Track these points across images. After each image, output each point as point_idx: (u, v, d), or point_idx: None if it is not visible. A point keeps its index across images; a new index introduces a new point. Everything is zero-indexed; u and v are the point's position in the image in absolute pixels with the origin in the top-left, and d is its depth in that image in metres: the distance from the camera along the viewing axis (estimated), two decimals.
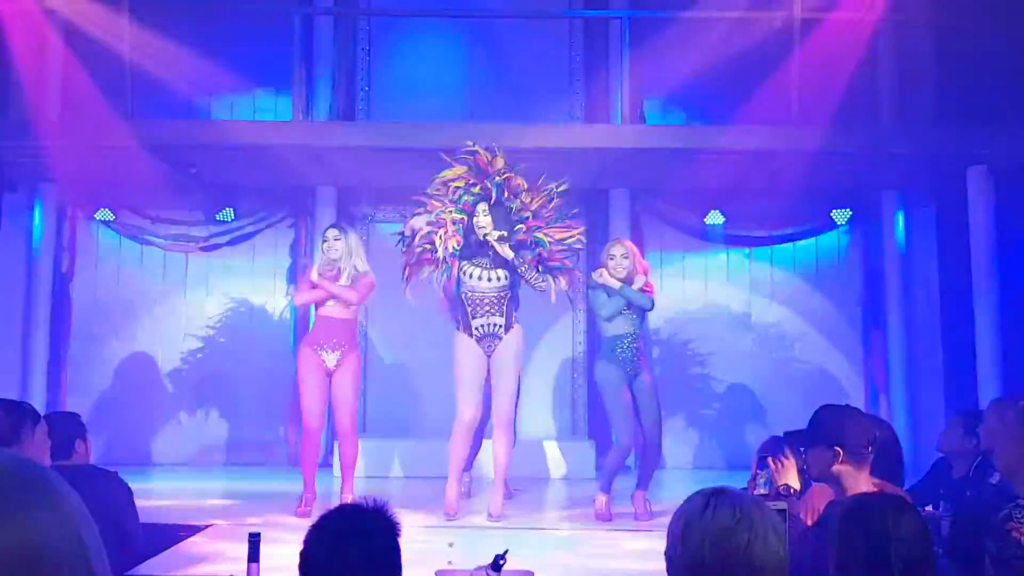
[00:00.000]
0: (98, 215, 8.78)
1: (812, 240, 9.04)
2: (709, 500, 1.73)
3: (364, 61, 8.98)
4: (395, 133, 7.70)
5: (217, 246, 8.94)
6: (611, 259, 6.09)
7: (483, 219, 5.85)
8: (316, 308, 6.36)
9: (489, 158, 5.96)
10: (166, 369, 8.79)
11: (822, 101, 7.49)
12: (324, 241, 6.28)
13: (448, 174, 6.02)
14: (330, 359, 6.15)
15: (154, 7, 7.67)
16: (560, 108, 8.77)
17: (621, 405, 5.97)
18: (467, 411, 5.84)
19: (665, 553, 1.77)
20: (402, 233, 6.12)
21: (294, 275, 8.92)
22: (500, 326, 5.88)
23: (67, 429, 3.82)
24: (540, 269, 5.89)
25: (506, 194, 5.95)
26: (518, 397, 6.82)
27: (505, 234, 5.81)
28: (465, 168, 6.01)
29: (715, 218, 8.85)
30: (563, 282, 6.00)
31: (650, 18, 8.34)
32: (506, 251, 5.79)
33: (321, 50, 8.79)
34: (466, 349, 5.88)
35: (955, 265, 8.18)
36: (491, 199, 5.88)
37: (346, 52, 8.95)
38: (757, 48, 7.56)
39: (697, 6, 7.82)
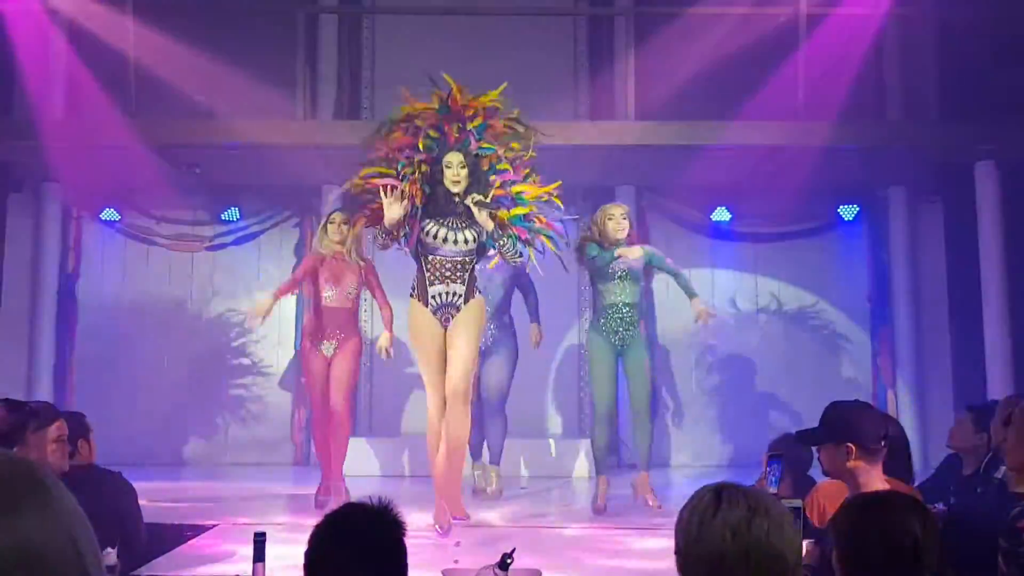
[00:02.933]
0: (103, 215, 8.79)
1: (819, 236, 9.01)
2: (720, 494, 1.72)
3: (369, 59, 8.97)
4: None
5: (222, 246, 8.95)
6: (610, 219, 5.87)
7: (460, 172, 5.02)
8: (312, 298, 6.30)
9: (467, 99, 5.16)
10: (172, 369, 8.78)
11: (828, 97, 7.45)
12: (330, 223, 6.15)
13: (409, 109, 5.17)
14: (328, 348, 6.09)
15: (158, 6, 7.67)
16: (565, 105, 8.73)
17: (601, 373, 5.83)
18: (436, 397, 5.07)
19: (676, 551, 1.75)
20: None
21: None
22: (460, 296, 5.08)
23: (70, 429, 3.80)
24: (528, 234, 5.17)
25: (483, 143, 5.16)
26: (510, 384, 6.70)
27: (484, 198, 4.99)
28: (435, 104, 5.15)
29: (721, 215, 8.82)
30: (550, 243, 5.23)
31: (655, 14, 8.31)
32: (486, 220, 4.95)
33: (325, 48, 8.78)
34: (422, 322, 5.09)
35: (963, 261, 8.14)
36: (466, 148, 5.08)
37: (351, 50, 8.94)
38: (763, 44, 7.53)
39: (702, 2, 7.79)
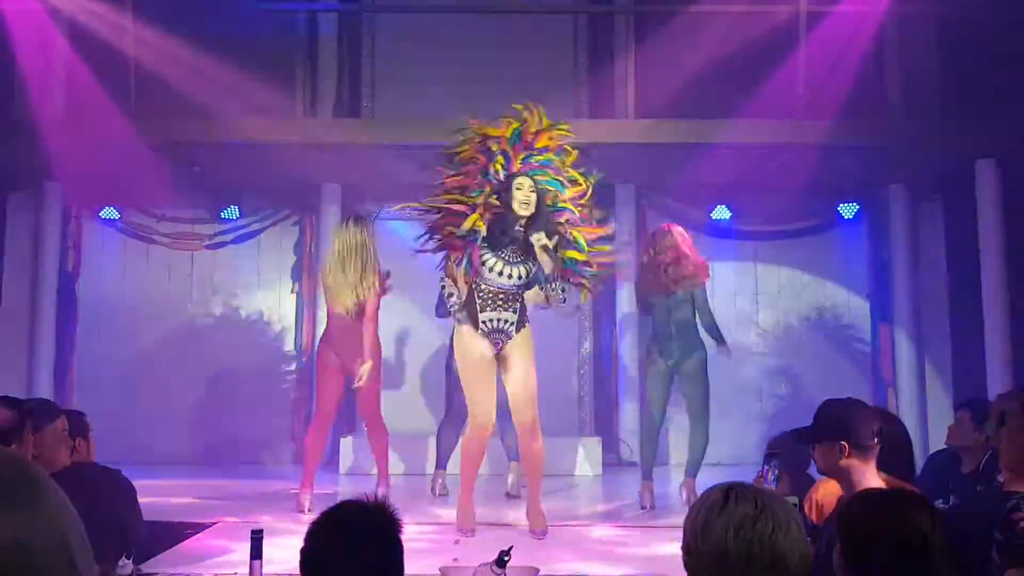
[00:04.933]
0: (103, 214, 8.80)
1: (819, 235, 9.00)
2: (728, 492, 1.73)
3: (368, 57, 8.96)
4: (400, 130, 7.68)
5: (222, 244, 8.95)
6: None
7: (530, 195, 4.98)
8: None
9: (543, 124, 5.13)
10: (172, 367, 8.78)
11: (828, 95, 7.45)
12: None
13: (491, 131, 5.11)
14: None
15: (157, 5, 7.66)
16: (565, 103, 8.72)
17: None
18: (481, 414, 5.19)
19: (683, 547, 1.76)
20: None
21: (299, 273, 8.91)
22: (511, 323, 5.15)
23: (70, 427, 3.80)
24: (575, 273, 5.15)
25: (546, 176, 5.12)
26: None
27: (550, 243, 4.95)
28: (508, 132, 5.09)
29: (721, 213, 8.81)
30: (590, 291, 5.30)
31: (655, 13, 8.31)
32: (547, 263, 4.95)
33: (325, 46, 8.78)
34: (472, 345, 5.16)
35: (963, 258, 8.14)
36: (534, 175, 5.05)
37: (350, 48, 8.94)
38: (763, 42, 7.53)
39: (701, 1, 7.78)
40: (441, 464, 6.66)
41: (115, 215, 8.82)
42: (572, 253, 5.12)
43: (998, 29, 7.52)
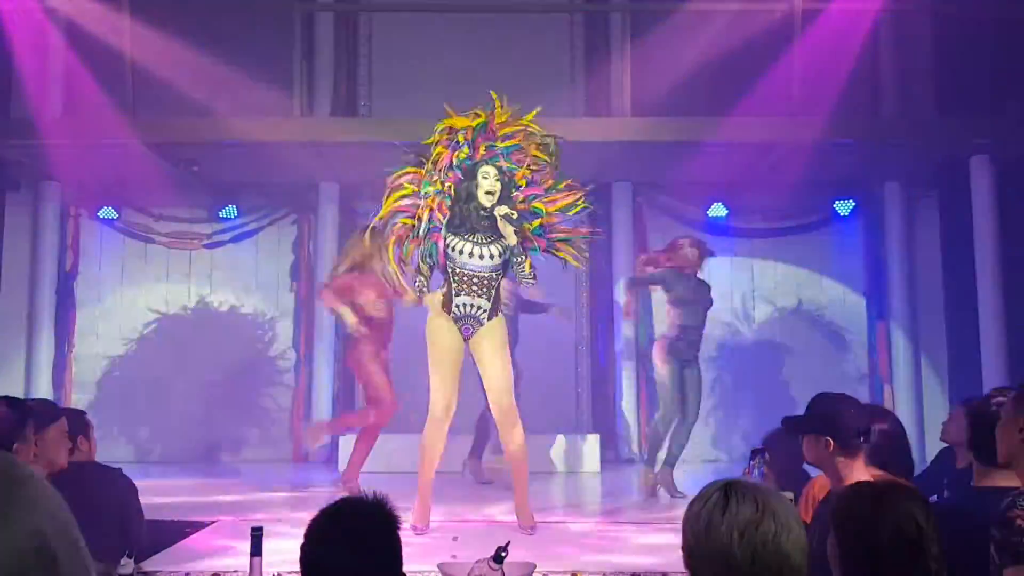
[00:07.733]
0: (101, 213, 8.81)
1: (815, 232, 9.03)
2: (728, 492, 1.72)
3: (365, 56, 8.98)
4: (397, 128, 7.68)
5: (220, 243, 8.97)
6: None
7: (495, 184, 5.08)
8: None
9: (505, 116, 5.23)
10: (170, 366, 8.80)
11: (823, 92, 7.47)
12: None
13: (455, 122, 5.22)
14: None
15: (154, 4, 7.67)
16: (561, 102, 8.74)
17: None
18: (441, 401, 5.13)
19: (684, 548, 1.76)
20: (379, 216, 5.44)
21: (297, 271, 8.93)
22: (484, 311, 5.12)
23: (70, 426, 3.81)
24: (546, 245, 5.19)
25: (509, 163, 5.20)
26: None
27: (515, 214, 5.01)
28: (475, 123, 5.19)
29: (718, 210, 8.83)
30: (569, 257, 5.27)
31: (650, 11, 8.33)
32: (511, 234, 4.99)
33: (322, 46, 8.79)
34: (441, 327, 5.14)
35: (958, 255, 8.16)
36: (496, 163, 5.13)
37: (347, 48, 8.95)
38: (758, 39, 7.55)
39: None
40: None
41: (113, 214, 8.83)
42: (537, 223, 5.18)
43: (992, 27, 7.55)
